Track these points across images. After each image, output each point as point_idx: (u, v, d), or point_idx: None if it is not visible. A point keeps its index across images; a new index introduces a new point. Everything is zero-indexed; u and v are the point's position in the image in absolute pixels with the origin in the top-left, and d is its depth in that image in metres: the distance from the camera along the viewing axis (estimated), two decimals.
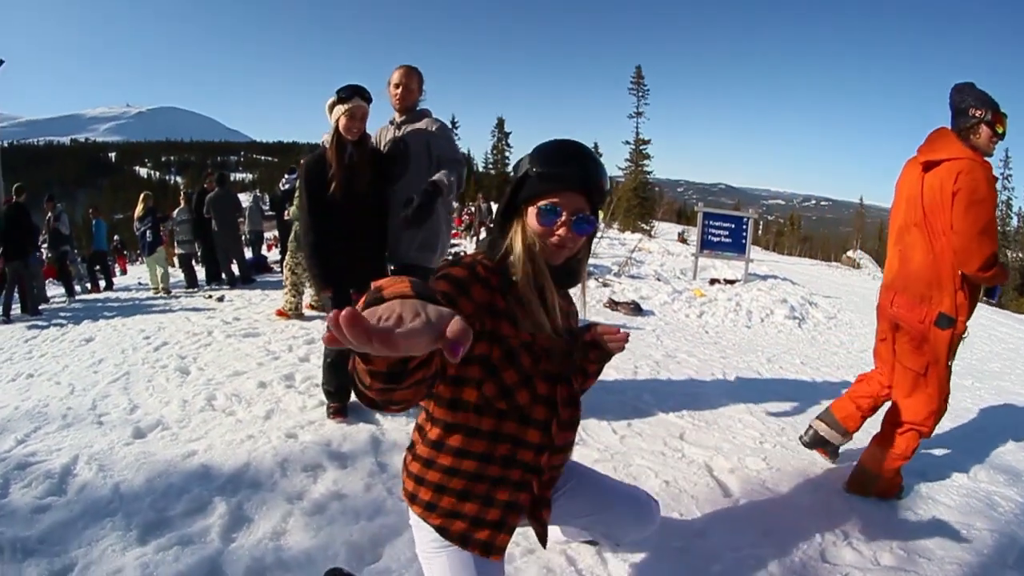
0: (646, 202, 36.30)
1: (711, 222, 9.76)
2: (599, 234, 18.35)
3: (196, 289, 8.66)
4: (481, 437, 1.20)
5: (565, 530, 1.76)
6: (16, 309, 7.24)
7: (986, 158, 2.21)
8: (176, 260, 10.06)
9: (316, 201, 2.82)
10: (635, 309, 6.95)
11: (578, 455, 2.69)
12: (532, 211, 1.18)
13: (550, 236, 1.17)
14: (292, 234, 5.90)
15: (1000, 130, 2.21)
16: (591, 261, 10.40)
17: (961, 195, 2.11)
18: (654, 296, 7.79)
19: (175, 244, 9.56)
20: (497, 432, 1.20)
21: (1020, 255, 36.98)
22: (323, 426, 2.92)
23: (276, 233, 11.06)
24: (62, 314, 7.08)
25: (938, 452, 3.26)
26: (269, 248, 12.09)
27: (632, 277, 9.29)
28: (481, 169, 47.16)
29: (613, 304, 7.11)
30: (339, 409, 3.02)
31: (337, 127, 2.78)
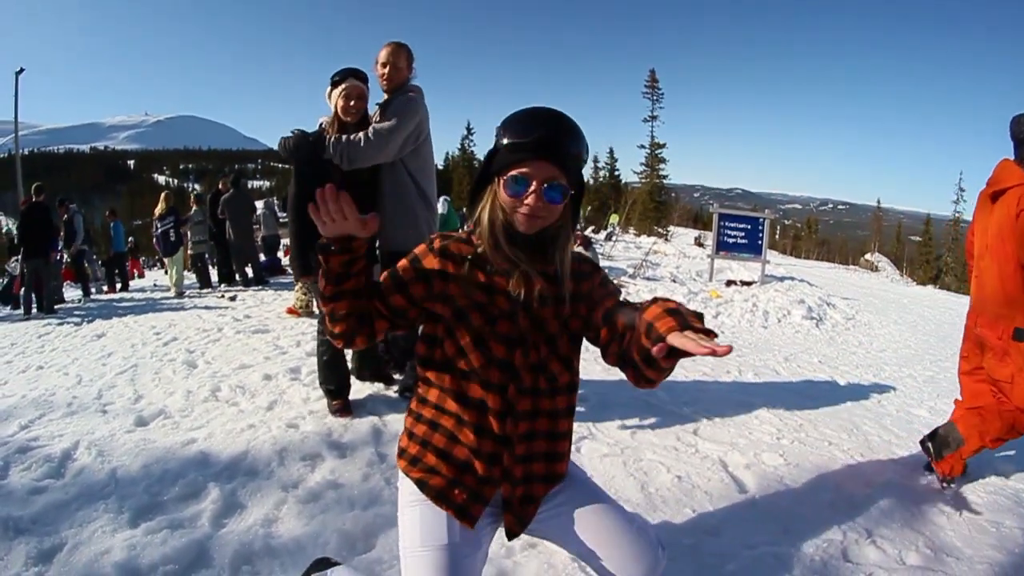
0: (662, 206, 36.10)
1: (727, 223, 9.61)
2: (614, 237, 18.36)
3: (210, 289, 8.70)
4: (451, 396, 1.22)
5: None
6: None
7: None
8: (189, 261, 10.14)
9: (312, 185, 2.77)
10: None
11: (587, 449, 2.60)
12: (502, 182, 1.16)
13: (519, 206, 1.15)
14: None
15: None
16: (606, 264, 10.46)
17: None
18: (670, 297, 7.67)
19: (189, 245, 9.63)
20: (463, 394, 1.21)
21: None
22: (325, 416, 2.88)
23: None
24: (77, 312, 7.16)
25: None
26: (286, 253, 12.14)
27: (647, 279, 9.20)
28: None
29: None
30: (343, 406, 2.94)
31: (336, 111, 2.73)
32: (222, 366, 3.86)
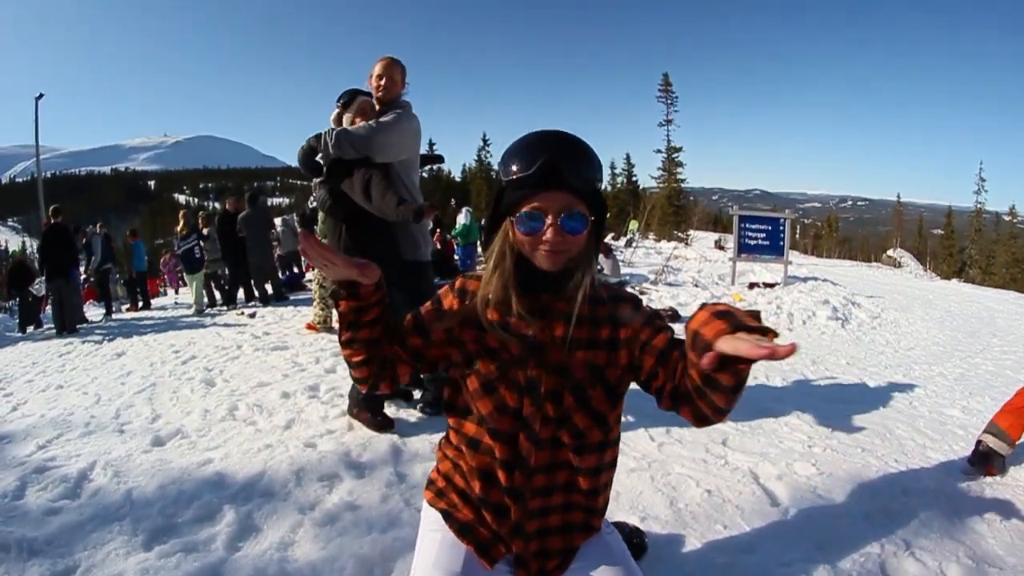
0: (681, 211, 35.87)
1: (748, 225, 9.46)
2: (635, 244, 18.24)
3: (231, 307, 8.74)
4: (466, 442, 1.17)
5: None
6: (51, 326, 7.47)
7: None
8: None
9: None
10: (673, 317, 6.75)
11: None
12: (514, 221, 1.05)
13: (539, 244, 1.04)
14: None
15: None
16: (627, 270, 10.39)
17: None
18: (692, 303, 7.58)
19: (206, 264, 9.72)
20: (475, 441, 1.16)
21: None
22: (343, 436, 2.82)
23: None
24: (98, 331, 7.25)
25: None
26: (307, 268, 12.24)
27: (669, 284, 9.10)
28: None
29: None
30: (386, 419, 2.89)
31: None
32: (240, 384, 3.85)
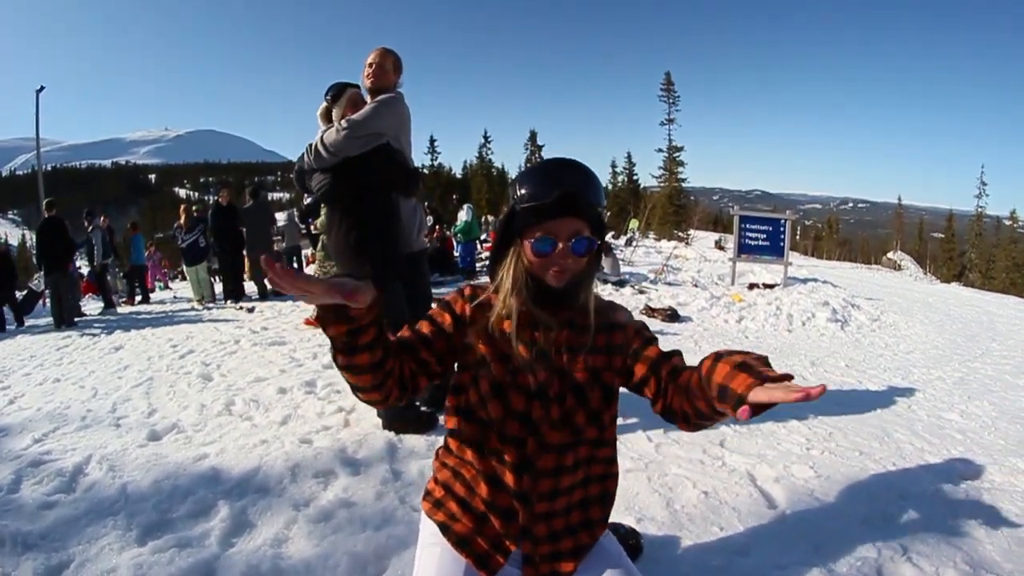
0: (681, 210, 35.86)
1: (748, 225, 9.45)
2: (635, 243, 18.28)
3: (233, 302, 8.69)
4: (471, 446, 1.21)
5: None
6: (49, 318, 7.45)
7: None
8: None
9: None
10: (671, 316, 6.73)
11: None
12: (527, 244, 1.14)
13: (550, 265, 1.14)
14: (319, 244, 5.91)
15: None
16: (626, 269, 10.39)
17: None
18: (692, 302, 7.56)
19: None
20: (482, 445, 1.20)
21: None
22: (339, 432, 2.81)
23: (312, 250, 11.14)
24: (96, 324, 7.23)
25: (1001, 457, 3.00)
26: (308, 263, 12.24)
27: (669, 284, 9.09)
28: None
29: (649, 311, 6.92)
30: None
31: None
32: (237, 379, 3.84)
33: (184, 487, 2.24)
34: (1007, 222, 44.84)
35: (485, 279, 1.28)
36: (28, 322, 8.32)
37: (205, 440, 2.78)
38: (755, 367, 0.93)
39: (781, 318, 7.05)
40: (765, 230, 9.39)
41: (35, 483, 2.32)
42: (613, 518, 1.98)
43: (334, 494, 2.18)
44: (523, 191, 1.12)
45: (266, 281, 8.77)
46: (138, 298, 10.70)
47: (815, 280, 9.81)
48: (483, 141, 46.56)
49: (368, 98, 2.83)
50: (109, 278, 10.24)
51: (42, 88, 17.06)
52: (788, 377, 0.87)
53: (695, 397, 1.06)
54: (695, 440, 2.84)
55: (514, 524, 1.19)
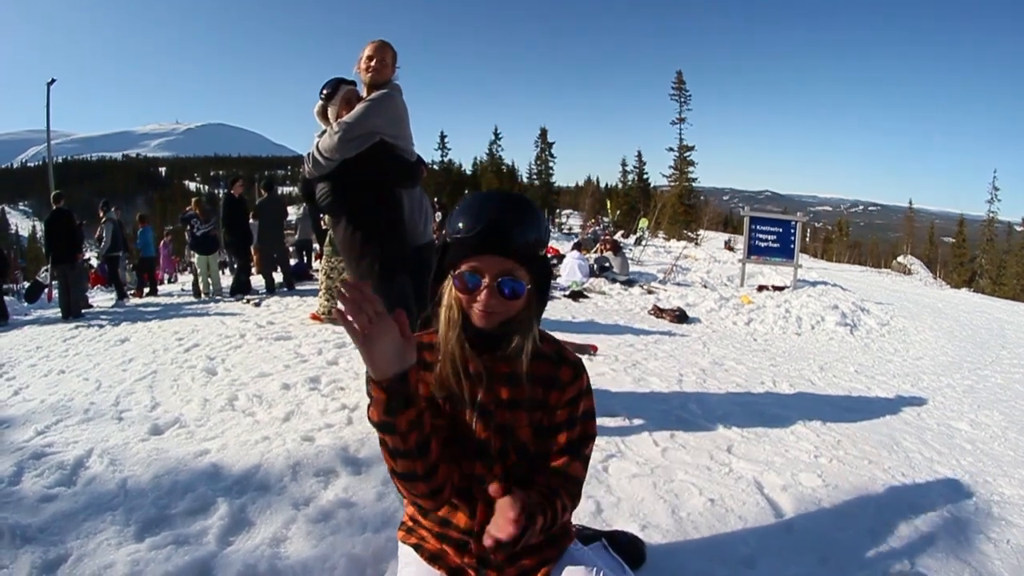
0: (691, 210, 35.72)
1: (758, 227, 9.40)
2: (644, 242, 18.22)
3: (241, 295, 8.67)
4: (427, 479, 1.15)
5: None
6: (56, 309, 7.48)
7: None
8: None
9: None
10: (680, 317, 6.70)
11: (615, 468, 2.47)
12: (453, 278, 1.10)
13: (473, 303, 1.09)
14: (327, 239, 5.90)
15: None
16: (635, 269, 10.36)
17: None
18: (700, 303, 7.52)
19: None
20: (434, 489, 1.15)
21: None
22: (342, 430, 2.79)
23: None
24: (103, 317, 7.25)
25: (1011, 469, 2.97)
26: (316, 258, 12.24)
27: (678, 284, 9.05)
28: (525, 180, 47.20)
29: (658, 311, 6.90)
30: None
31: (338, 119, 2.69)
32: (241, 374, 3.82)
33: (184, 483, 2.21)
34: (1019, 228, 44.37)
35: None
36: (35, 313, 8.35)
37: (207, 435, 2.76)
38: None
39: (790, 321, 7.00)
40: (775, 232, 9.34)
41: (36, 475, 2.30)
42: (617, 525, 1.96)
43: (334, 494, 2.15)
44: (456, 222, 1.08)
45: (275, 275, 8.76)
46: (146, 290, 10.74)
47: (824, 283, 9.74)
48: (493, 138, 46.46)
49: (365, 92, 2.78)
50: (120, 270, 10.28)
51: (53, 81, 17.20)
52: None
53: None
54: (702, 446, 2.80)
55: (469, 553, 1.20)
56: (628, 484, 2.33)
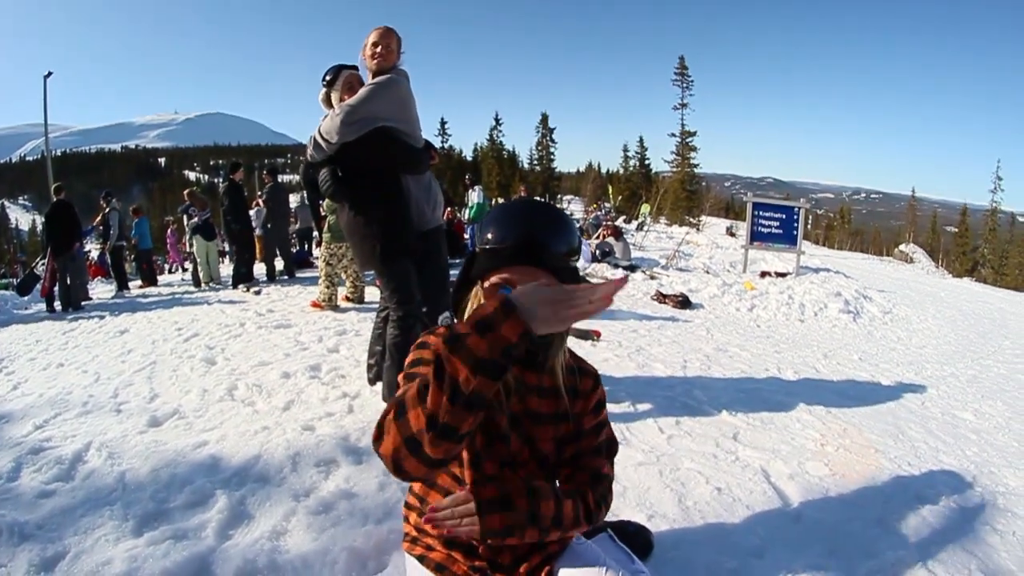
0: (693, 196, 35.62)
1: (761, 213, 9.33)
2: (646, 228, 18.13)
3: (242, 284, 8.57)
4: (441, 493, 1.17)
5: None
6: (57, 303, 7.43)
7: None
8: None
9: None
10: (683, 302, 6.68)
11: (621, 456, 2.42)
12: (482, 289, 1.09)
13: None
14: (326, 226, 5.86)
15: None
16: (638, 254, 10.30)
17: None
18: (703, 289, 7.48)
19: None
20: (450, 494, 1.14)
21: None
22: (343, 419, 2.76)
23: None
24: (102, 308, 7.20)
25: (1016, 460, 2.94)
26: (317, 245, 12.20)
27: (680, 270, 9.02)
28: (526, 166, 47.00)
29: (661, 297, 6.88)
30: None
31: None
32: (241, 363, 3.79)
33: (182, 476, 2.18)
34: (1022, 218, 44.18)
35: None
36: (33, 307, 8.30)
37: (206, 426, 2.73)
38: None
39: (793, 307, 6.96)
40: (778, 218, 9.28)
41: (34, 471, 2.27)
42: (624, 515, 1.93)
43: (335, 484, 2.12)
44: (487, 232, 1.07)
45: (276, 262, 8.70)
46: (145, 281, 10.69)
47: (827, 270, 9.70)
48: (494, 124, 46.26)
49: (370, 79, 2.74)
50: (123, 260, 10.22)
51: (50, 74, 17.11)
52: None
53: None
54: (708, 433, 2.78)
55: (477, 557, 1.18)
56: (634, 473, 2.30)
